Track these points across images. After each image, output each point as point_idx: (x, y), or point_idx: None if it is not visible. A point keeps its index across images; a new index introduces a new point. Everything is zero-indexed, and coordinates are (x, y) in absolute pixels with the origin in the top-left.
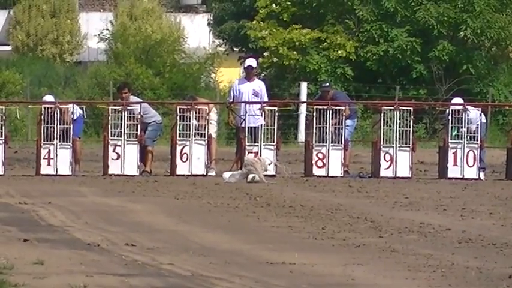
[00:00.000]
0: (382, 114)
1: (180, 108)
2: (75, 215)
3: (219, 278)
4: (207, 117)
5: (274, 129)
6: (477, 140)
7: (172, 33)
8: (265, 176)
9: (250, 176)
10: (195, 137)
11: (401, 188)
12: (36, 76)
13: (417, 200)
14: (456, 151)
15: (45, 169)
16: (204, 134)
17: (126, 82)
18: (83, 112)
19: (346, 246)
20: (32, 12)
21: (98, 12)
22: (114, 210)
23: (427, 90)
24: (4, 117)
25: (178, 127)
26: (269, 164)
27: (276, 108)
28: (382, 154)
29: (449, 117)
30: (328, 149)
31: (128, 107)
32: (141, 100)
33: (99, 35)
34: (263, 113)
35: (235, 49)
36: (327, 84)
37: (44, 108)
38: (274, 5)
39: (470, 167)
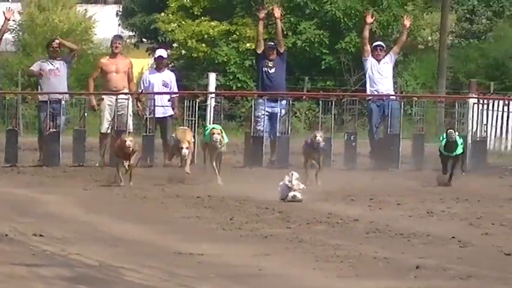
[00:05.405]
0: (289, 105)
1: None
2: None
3: (128, 268)
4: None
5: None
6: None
7: (80, 24)
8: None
9: (291, 194)
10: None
11: (310, 178)
12: None
13: (325, 190)
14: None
15: None
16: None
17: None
18: None
19: (254, 236)
20: None
21: (6, 2)
22: (23, 200)
23: (335, 81)
24: None
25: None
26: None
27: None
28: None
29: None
30: None
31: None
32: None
33: None
34: (172, 104)
35: (144, 40)
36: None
37: None
38: None
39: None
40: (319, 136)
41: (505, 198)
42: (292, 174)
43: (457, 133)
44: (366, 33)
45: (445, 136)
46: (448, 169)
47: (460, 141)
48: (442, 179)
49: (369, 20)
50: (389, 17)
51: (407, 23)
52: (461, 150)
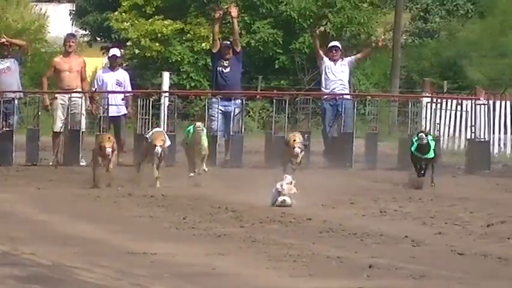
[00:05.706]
0: (243, 104)
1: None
2: None
3: (81, 268)
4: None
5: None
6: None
7: (34, 23)
8: None
9: (280, 199)
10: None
11: (264, 177)
12: None
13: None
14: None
15: None
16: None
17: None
18: None
19: (208, 236)
20: None
21: None
22: None
23: (289, 80)
24: None
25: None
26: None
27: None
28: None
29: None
30: None
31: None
32: None
33: None
34: (126, 103)
35: (98, 39)
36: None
37: None
38: None
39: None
40: (298, 138)
41: (458, 198)
42: (286, 177)
43: (430, 136)
44: (317, 43)
45: (416, 138)
46: (421, 172)
47: (432, 143)
48: (415, 181)
49: (318, 31)
50: (343, 18)
51: (381, 43)
52: (433, 154)
